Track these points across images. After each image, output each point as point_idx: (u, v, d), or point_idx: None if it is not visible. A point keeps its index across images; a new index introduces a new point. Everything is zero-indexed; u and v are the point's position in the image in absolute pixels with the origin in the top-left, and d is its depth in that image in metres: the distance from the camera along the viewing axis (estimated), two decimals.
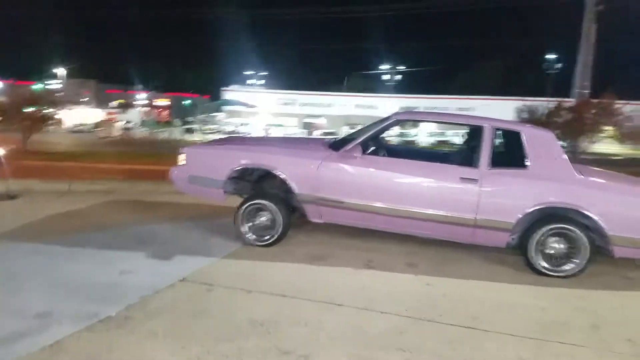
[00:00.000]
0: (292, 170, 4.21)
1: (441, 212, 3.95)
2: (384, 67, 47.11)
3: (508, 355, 2.62)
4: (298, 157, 4.27)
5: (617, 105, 18.60)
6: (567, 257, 3.81)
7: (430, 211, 3.97)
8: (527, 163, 3.91)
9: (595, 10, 16.52)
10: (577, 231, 3.74)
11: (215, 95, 42.16)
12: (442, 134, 33.68)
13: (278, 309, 3.06)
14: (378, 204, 4.05)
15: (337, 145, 4.36)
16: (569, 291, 3.59)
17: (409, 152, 5.03)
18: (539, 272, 3.85)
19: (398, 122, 4.39)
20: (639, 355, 2.66)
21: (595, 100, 18.02)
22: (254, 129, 38.66)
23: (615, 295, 3.57)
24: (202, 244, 4.39)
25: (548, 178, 3.85)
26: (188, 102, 40.83)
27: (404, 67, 46.78)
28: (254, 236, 4.31)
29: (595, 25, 16.62)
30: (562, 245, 3.81)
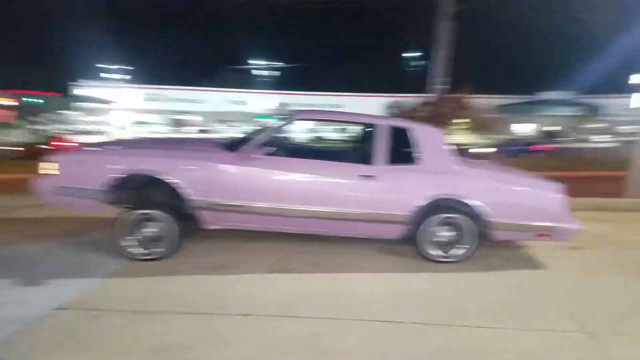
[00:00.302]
0: (184, 175, 3.94)
1: (343, 210, 4.02)
2: (257, 62, 46.91)
3: (427, 343, 2.75)
4: (191, 160, 4.00)
5: (470, 99, 20.96)
6: (457, 243, 4.15)
7: (332, 209, 4.02)
8: (418, 158, 4.17)
9: (450, 10, 18.29)
10: (464, 219, 4.10)
11: (69, 93, 37.85)
12: (315, 130, 34.78)
13: (185, 330, 2.82)
14: (280, 205, 3.98)
15: (234, 145, 4.19)
16: (461, 275, 3.91)
17: (307, 150, 5.04)
18: (432, 260, 4.14)
19: (298, 121, 4.36)
20: (537, 328, 3.00)
21: (451, 95, 20.14)
22: (115, 127, 35.73)
23: (498, 275, 3.97)
24: (80, 263, 3.87)
25: (436, 172, 4.15)
26: (36, 100, 36.03)
27: (277, 63, 47.13)
28: (143, 250, 3.95)
29: (450, 23, 18.36)
30: (451, 233, 4.15)
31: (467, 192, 4.09)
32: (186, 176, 3.94)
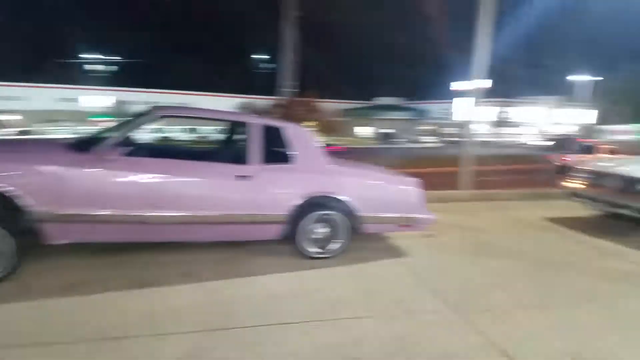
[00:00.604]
0: (20, 182, 3.30)
1: (220, 213, 3.80)
2: (92, 56, 42.48)
3: (311, 341, 2.72)
4: (29, 165, 3.36)
5: (318, 103, 21.98)
6: (332, 238, 4.25)
7: (208, 213, 3.77)
8: (292, 157, 4.16)
9: (293, 14, 18.78)
10: (338, 215, 4.21)
11: None
12: (160, 129, 32.81)
13: None
14: (147, 213, 3.59)
15: (84, 146, 3.65)
16: (337, 269, 4.00)
17: (171, 151, 4.64)
18: (309, 257, 4.17)
19: (160, 118, 3.97)
20: (411, 312, 3.20)
21: (301, 99, 20.88)
22: None
23: (370, 266, 4.16)
24: None
25: (310, 170, 4.18)
26: None
27: (115, 58, 43.31)
28: None
29: (294, 28, 18.83)
30: (327, 229, 4.23)
31: (339, 189, 4.21)
32: (24, 182, 3.31)
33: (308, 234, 4.16)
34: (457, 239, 5.24)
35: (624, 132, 40.81)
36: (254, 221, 3.94)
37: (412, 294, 3.54)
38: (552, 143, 20.63)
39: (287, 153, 4.17)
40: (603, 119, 64.42)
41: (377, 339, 2.79)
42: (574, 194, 6.35)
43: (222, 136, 5.12)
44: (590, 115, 59.73)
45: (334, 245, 4.25)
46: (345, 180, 4.32)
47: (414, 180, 4.57)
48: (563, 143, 17.65)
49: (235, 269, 3.88)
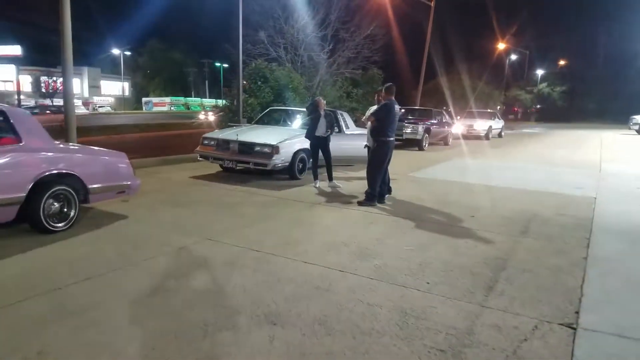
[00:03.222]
0: None
1: None
2: None
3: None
4: None
5: None
6: (66, 211, 4.85)
7: None
8: (21, 139, 4.46)
9: None
10: (70, 189, 4.83)
11: None
12: None
13: None
14: None
15: None
16: (87, 236, 4.69)
17: None
18: (48, 231, 4.63)
19: None
20: (176, 248, 4.53)
21: None
22: None
23: (108, 230, 5.00)
24: None
25: (39, 150, 4.59)
26: None
27: None
28: None
29: None
30: (60, 203, 4.79)
31: (71, 166, 4.82)
32: None
33: (46, 210, 4.61)
34: (149, 198, 6.54)
35: (164, 103, 47.02)
36: None
37: (166, 238, 4.77)
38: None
39: (15, 135, 4.41)
40: (140, 91, 71.84)
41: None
42: (205, 157, 8.68)
43: None
44: (125, 87, 65.30)
45: (69, 217, 4.86)
46: (75, 157, 4.96)
47: (123, 153, 5.60)
48: None
49: None
